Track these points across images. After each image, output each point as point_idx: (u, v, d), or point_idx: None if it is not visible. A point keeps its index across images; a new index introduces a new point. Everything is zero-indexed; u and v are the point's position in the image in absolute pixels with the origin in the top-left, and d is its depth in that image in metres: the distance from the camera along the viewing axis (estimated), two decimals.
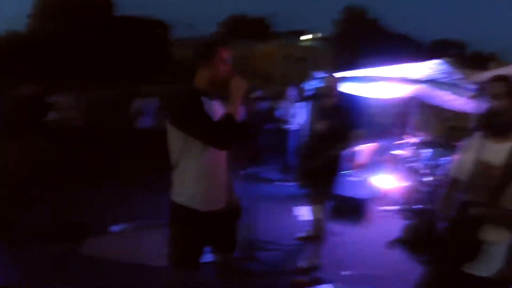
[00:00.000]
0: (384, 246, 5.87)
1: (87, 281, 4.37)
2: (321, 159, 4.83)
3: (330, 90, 4.98)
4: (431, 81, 6.49)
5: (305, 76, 8.74)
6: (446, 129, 10.13)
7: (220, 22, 51.54)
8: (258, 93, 6.07)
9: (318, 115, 4.92)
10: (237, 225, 3.22)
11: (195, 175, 2.87)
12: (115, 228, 5.75)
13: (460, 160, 2.98)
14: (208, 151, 2.82)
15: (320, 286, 4.36)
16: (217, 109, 2.86)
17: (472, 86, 4.99)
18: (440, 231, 3.13)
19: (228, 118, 2.73)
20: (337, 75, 6.86)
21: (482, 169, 2.77)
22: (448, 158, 7.56)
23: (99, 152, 8.84)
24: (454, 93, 5.74)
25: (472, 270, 2.71)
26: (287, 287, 4.44)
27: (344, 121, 4.83)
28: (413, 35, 45.33)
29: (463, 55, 43.66)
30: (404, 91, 7.82)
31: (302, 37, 42.31)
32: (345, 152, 5.13)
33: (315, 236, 5.15)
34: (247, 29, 45.18)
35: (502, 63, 20.32)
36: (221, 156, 2.98)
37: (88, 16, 34.61)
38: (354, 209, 7.02)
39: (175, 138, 2.84)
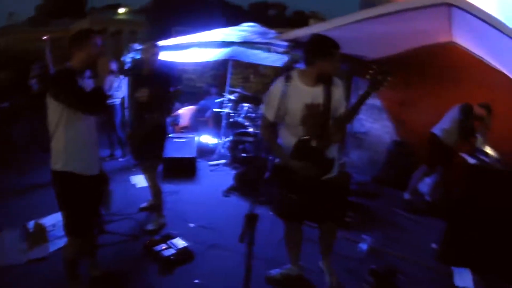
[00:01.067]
0: (220, 195, 6.48)
1: None
2: (145, 126, 4.96)
3: (148, 59, 5.04)
4: (244, 42, 6.93)
5: (122, 49, 8.73)
6: (261, 84, 10.90)
7: (38, 5, 47.68)
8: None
9: (138, 85, 4.97)
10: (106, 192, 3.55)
11: (72, 142, 3.32)
12: None
13: (273, 105, 3.51)
14: (82, 120, 3.33)
15: (171, 241, 4.63)
16: (89, 84, 3.36)
17: (284, 43, 5.51)
18: (275, 167, 3.78)
19: (97, 89, 3.29)
20: (167, 42, 7.09)
21: (310, 109, 3.42)
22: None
23: None
24: (265, 51, 6.23)
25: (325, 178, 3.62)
26: (141, 249, 4.61)
27: (164, 87, 4.97)
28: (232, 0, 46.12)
29: (283, 15, 45.85)
30: (220, 53, 8.26)
31: (118, 10, 41.06)
32: (168, 116, 5.36)
33: (155, 201, 5.39)
34: (63, 8, 42.64)
35: (321, 19, 22.06)
36: (92, 126, 3.49)
37: None
38: (185, 168, 7.46)
39: (53, 110, 3.26)
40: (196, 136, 8.31)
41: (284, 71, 3.88)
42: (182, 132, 8.96)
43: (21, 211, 5.44)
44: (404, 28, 5.31)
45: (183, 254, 4.46)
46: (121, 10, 40.91)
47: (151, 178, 5.31)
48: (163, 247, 4.52)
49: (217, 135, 9.16)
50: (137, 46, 7.42)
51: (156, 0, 39.17)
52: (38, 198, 5.89)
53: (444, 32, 5.91)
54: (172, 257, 4.37)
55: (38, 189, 6.29)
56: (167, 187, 6.49)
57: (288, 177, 3.63)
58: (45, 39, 7.48)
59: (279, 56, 6.83)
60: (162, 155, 5.34)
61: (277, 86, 3.53)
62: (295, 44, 5.51)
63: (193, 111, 10.39)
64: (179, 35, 7.79)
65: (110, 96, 7.89)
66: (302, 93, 3.45)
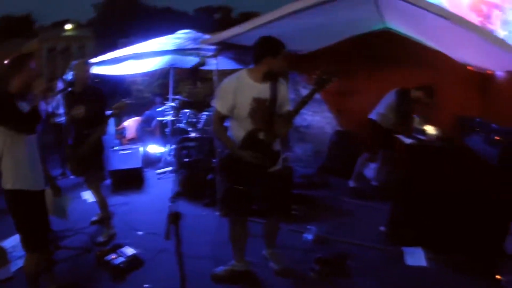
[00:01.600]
0: (168, 202, 6.54)
1: None
2: (87, 143, 5.05)
3: (79, 75, 5.13)
4: (176, 50, 7.02)
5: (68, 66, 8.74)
6: (209, 89, 10.98)
7: None
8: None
9: (72, 103, 5.04)
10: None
11: (18, 161, 3.46)
12: None
13: (226, 99, 3.78)
14: (25, 140, 3.49)
15: (120, 250, 4.75)
16: (26, 106, 3.48)
17: (212, 47, 5.61)
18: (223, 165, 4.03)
19: (31, 110, 3.44)
20: (95, 59, 7.11)
21: (258, 103, 3.73)
22: (203, 113, 8.50)
23: None
24: (195, 56, 6.32)
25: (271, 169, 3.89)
26: (94, 261, 4.71)
27: (99, 102, 5.10)
28: (176, 7, 45.84)
29: (229, 18, 45.86)
30: (159, 63, 8.41)
31: (65, 27, 40.43)
32: (107, 131, 5.38)
33: (103, 214, 5.52)
34: (14, 28, 41.73)
35: None
36: (35, 144, 3.63)
37: None
38: (132, 178, 7.58)
39: None
40: (142, 146, 8.43)
41: (192, 73, 4.18)
42: (128, 144, 9.02)
43: None
44: (334, 19, 5.50)
45: (132, 261, 4.57)
46: (68, 26, 40.25)
47: (96, 192, 5.43)
48: (113, 257, 4.62)
49: (163, 144, 9.27)
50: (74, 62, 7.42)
51: (101, 13, 38.76)
52: None
53: (375, 19, 6.15)
54: (121, 265, 4.48)
55: None
56: (116, 199, 6.64)
57: (236, 168, 3.84)
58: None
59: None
60: (102, 168, 5.47)
61: (229, 82, 3.82)
62: (222, 46, 5.62)
63: (139, 122, 10.47)
64: (124, 47, 7.81)
65: (55, 115, 7.88)
66: (251, 88, 3.75)
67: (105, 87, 5.42)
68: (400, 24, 6.25)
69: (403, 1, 4.17)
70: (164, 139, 9.32)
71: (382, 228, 5.23)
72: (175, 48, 6.96)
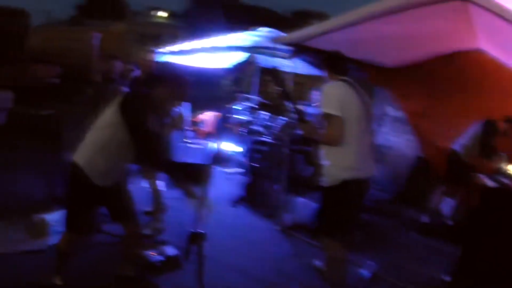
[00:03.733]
0: (228, 205, 6.38)
1: None
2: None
3: (142, 62, 5.30)
4: (254, 48, 6.78)
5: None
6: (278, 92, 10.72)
7: (77, 4, 48.89)
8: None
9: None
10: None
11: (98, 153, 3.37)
12: None
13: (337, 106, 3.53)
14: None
15: (162, 247, 4.58)
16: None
17: (287, 48, 5.33)
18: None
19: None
20: (171, 47, 7.01)
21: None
22: (282, 118, 8.17)
23: None
24: (273, 56, 6.07)
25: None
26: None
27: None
28: (274, 8, 46.02)
29: None
30: (238, 58, 8.17)
31: (158, 14, 41.72)
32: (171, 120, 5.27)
33: (155, 206, 5.40)
34: (103, 9, 43.50)
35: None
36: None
37: None
38: (197, 174, 7.36)
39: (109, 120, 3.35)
40: (217, 142, 8.23)
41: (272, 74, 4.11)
42: (203, 138, 8.89)
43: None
44: (421, 29, 4.92)
45: (170, 263, 4.37)
46: (161, 14, 41.47)
47: (151, 182, 5.31)
48: (152, 253, 4.45)
49: (238, 143, 9.03)
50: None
51: (195, 4, 39.47)
52: None
53: (468, 37, 5.51)
54: (158, 264, 4.32)
55: None
56: (174, 193, 6.41)
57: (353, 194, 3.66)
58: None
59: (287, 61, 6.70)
60: (161, 159, 5.28)
61: (336, 89, 3.64)
62: (299, 48, 5.27)
63: (217, 117, 10.31)
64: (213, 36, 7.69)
65: None
66: (353, 98, 3.62)
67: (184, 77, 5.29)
68: (494, 44, 5.64)
69: (502, 20, 3.59)
70: (239, 139, 9.08)
71: (445, 278, 4.63)
72: (250, 46, 6.74)
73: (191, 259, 4.35)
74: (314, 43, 5.15)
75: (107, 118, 3.38)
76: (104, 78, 6.24)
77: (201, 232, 2.79)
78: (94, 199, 3.54)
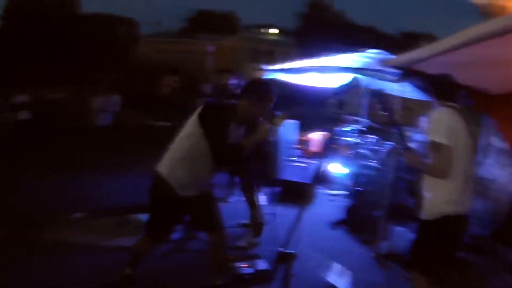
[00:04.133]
0: (327, 226, 6.32)
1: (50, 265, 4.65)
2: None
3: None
4: (361, 69, 6.68)
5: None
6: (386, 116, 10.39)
7: (187, 17, 51.00)
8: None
9: None
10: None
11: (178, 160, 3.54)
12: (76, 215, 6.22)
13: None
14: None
15: (254, 260, 4.66)
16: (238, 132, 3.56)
17: (395, 71, 5.20)
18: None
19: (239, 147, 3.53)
20: (281, 66, 7.11)
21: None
22: (390, 143, 7.95)
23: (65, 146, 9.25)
24: (380, 78, 5.94)
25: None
26: None
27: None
28: (381, 27, 45.41)
29: None
30: (346, 80, 8.05)
31: (269, 31, 42.26)
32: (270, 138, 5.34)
33: (252, 220, 5.53)
34: (213, 23, 44.90)
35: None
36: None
37: (54, 15, 33.98)
38: (300, 193, 7.34)
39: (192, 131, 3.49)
40: (322, 162, 8.20)
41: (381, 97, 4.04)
42: (310, 157, 8.92)
43: None
44: None
45: (260, 276, 4.43)
46: (272, 31, 41.98)
47: (249, 196, 5.46)
48: (243, 265, 4.54)
49: (345, 165, 8.85)
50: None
51: (304, 22, 39.62)
52: None
53: None
54: (247, 276, 4.42)
55: None
56: (276, 209, 6.48)
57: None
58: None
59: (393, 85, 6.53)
60: (263, 175, 5.38)
61: (446, 115, 3.42)
62: (407, 71, 5.11)
63: (325, 137, 10.26)
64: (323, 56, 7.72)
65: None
66: (462, 126, 3.39)
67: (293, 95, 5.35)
68: None
69: None
70: (345, 161, 8.94)
71: None
72: (358, 67, 6.66)
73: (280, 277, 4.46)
74: (422, 66, 4.96)
75: (189, 128, 3.50)
76: (216, 91, 6.47)
77: (291, 252, 2.83)
78: (176, 209, 3.67)
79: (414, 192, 6.26)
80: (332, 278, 4.52)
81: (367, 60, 6.84)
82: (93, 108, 11.08)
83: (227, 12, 49.24)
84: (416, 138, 6.00)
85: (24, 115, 13.39)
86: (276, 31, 42.14)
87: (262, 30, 42.30)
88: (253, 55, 35.89)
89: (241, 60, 33.42)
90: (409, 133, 5.06)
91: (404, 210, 6.19)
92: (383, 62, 5.52)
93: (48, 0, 34.00)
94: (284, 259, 2.81)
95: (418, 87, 5.65)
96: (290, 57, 33.18)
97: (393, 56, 5.87)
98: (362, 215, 6.38)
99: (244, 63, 31.39)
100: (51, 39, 29.85)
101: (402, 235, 5.64)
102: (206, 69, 7.85)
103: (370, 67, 6.34)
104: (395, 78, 5.21)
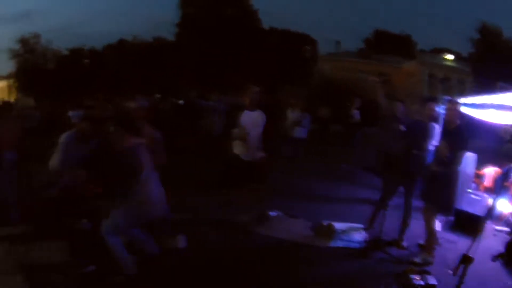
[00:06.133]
0: (489, 258, 6.65)
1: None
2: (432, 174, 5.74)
3: (447, 114, 5.79)
4: None
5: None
6: None
7: (365, 38, 51.32)
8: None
9: (442, 138, 5.78)
10: None
11: None
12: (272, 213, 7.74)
13: None
14: None
15: (426, 276, 5.32)
16: None
17: None
18: None
19: None
20: (465, 99, 7.48)
21: None
22: None
23: None
24: None
25: None
26: (401, 271, 5.51)
27: (458, 143, 5.64)
28: None
29: None
30: None
31: (446, 56, 40.71)
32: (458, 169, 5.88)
33: (427, 242, 6.14)
34: (391, 45, 44.53)
35: None
36: None
37: (232, 26, 36.09)
38: (472, 223, 7.71)
39: None
40: (496, 198, 8.34)
41: None
42: (482, 191, 9.08)
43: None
44: None
45: None
46: (449, 57, 40.71)
47: (427, 220, 6.03)
48: (417, 277, 5.26)
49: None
50: (446, 98, 7.87)
51: (479, 49, 37.19)
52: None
53: None
54: (418, 286, 5.14)
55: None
56: (449, 235, 7.20)
57: None
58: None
59: None
60: (443, 204, 6.01)
61: None
62: None
63: (498, 173, 10.30)
64: (503, 92, 7.71)
65: None
66: None
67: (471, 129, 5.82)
68: None
69: None
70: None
71: None
72: None
73: None
74: None
75: None
76: (387, 115, 7.10)
77: (471, 257, 3.41)
78: None
79: None
80: None
81: None
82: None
83: (404, 35, 48.62)
84: None
85: None
86: (451, 56, 40.81)
87: (437, 55, 41.30)
88: (429, 80, 35.04)
89: (422, 85, 32.80)
90: None
91: None
92: None
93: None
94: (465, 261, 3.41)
95: None
96: (466, 85, 31.81)
97: None
98: None
99: (424, 89, 30.82)
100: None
101: None
102: (379, 91, 8.21)
103: None
104: None
